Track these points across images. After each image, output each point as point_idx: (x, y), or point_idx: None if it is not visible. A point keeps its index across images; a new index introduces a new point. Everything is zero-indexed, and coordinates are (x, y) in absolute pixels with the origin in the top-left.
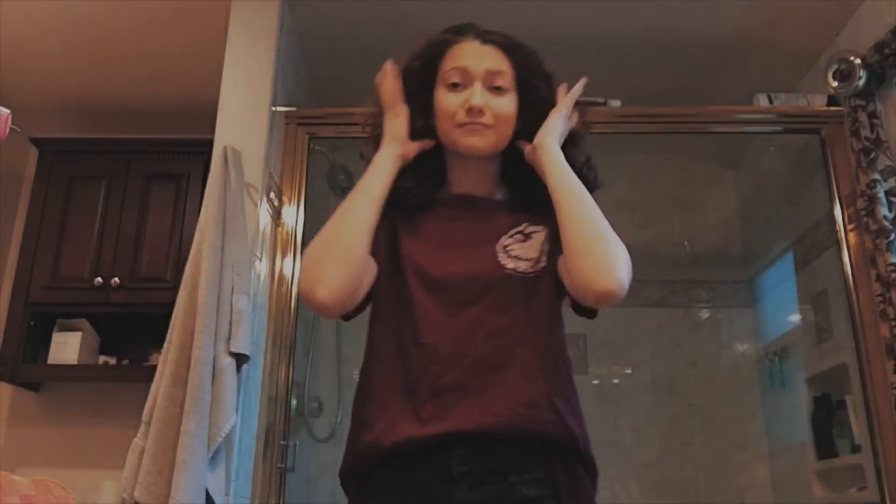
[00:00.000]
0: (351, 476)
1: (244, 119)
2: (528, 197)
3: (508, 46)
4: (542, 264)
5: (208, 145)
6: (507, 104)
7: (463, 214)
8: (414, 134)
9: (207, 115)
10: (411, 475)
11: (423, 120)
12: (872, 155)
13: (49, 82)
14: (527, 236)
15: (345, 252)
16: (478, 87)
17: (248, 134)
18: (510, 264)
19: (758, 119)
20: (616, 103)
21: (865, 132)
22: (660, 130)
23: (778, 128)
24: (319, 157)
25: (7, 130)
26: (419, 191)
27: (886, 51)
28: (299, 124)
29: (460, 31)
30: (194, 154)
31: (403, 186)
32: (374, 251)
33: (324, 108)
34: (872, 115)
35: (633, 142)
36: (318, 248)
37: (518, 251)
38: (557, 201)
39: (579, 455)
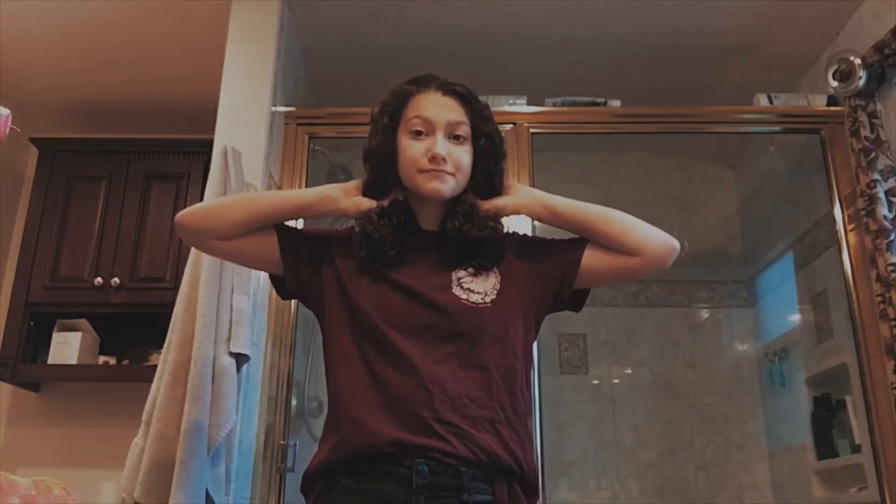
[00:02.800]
0: (316, 476)
1: (244, 119)
2: (478, 245)
3: (466, 98)
4: (492, 297)
5: (208, 145)
6: (465, 154)
7: (420, 249)
8: (378, 180)
9: (207, 115)
10: (375, 483)
11: (387, 165)
12: (872, 155)
13: (49, 82)
14: (478, 271)
15: (218, 211)
16: (440, 137)
17: (248, 134)
18: (463, 295)
19: (758, 119)
20: (616, 103)
21: (865, 132)
22: (660, 130)
23: (778, 128)
24: (319, 157)
25: (7, 130)
26: (395, 242)
27: (886, 51)
28: (299, 124)
29: (422, 83)
30: (194, 154)
31: (385, 241)
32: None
33: (324, 108)
34: (872, 115)
35: (633, 142)
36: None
37: (470, 283)
38: (585, 222)
39: (522, 479)
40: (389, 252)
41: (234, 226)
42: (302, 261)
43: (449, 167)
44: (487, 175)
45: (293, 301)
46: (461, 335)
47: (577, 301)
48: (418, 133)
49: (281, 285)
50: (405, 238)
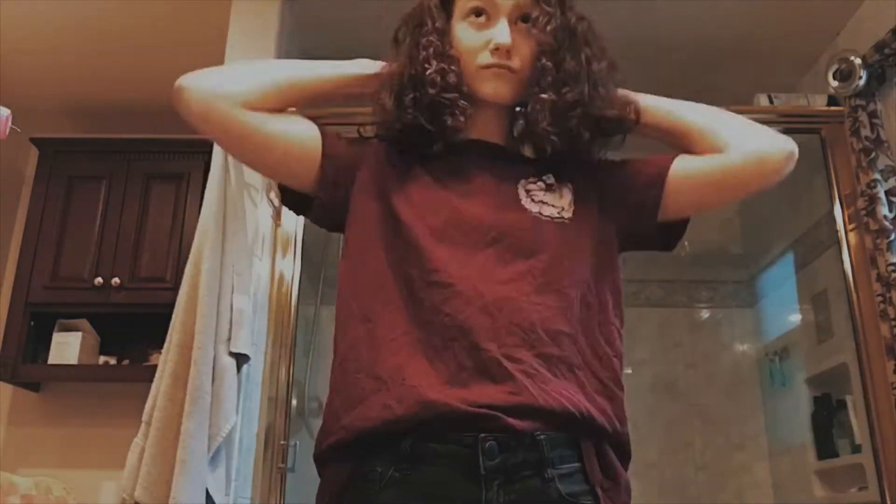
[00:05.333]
0: (334, 457)
1: None
2: (551, 158)
3: None
4: (569, 215)
5: (208, 145)
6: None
7: (477, 159)
8: (434, 81)
9: None
10: (425, 468)
11: (444, 63)
12: (873, 155)
13: (49, 82)
14: (549, 187)
15: (235, 73)
16: (503, 24)
17: None
18: (535, 208)
19: (758, 119)
20: None
21: (866, 132)
22: None
23: (778, 128)
24: None
25: (7, 130)
26: (439, 134)
27: (886, 50)
28: None
29: None
30: (194, 154)
31: (421, 128)
32: (359, 187)
33: (323, 108)
34: (873, 114)
35: (632, 142)
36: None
37: (542, 197)
38: (688, 125)
39: (613, 439)
40: (435, 143)
41: (259, 88)
42: (341, 164)
43: (515, 62)
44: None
45: (293, 301)
46: (535, 251)
47: (666, 234)
48: (478, 14)
49: (300, 199)
50: (455, 144)
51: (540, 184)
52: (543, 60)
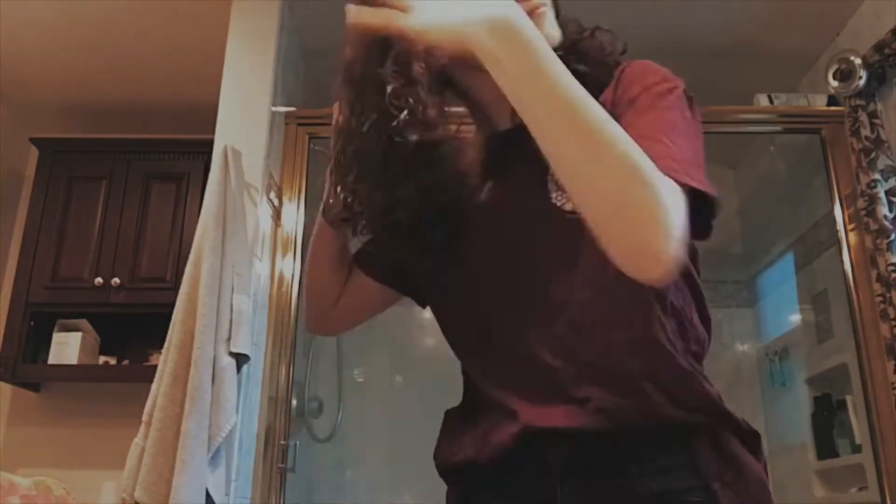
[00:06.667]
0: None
1: (244, 119)
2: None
3: None
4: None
5: (208, 145)
6: None
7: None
8: None
9: (207, 115)
10: (499, 477)
11: None
12: (873, 155)
13: (49, 82)
14: None
15: (311, 296)
16: None
17: (248, 134)
18: (559, 199)
19: (758, 119)
20: None
21: (866, 132)
22: None
23: (778, 128)
24: (319, 157)
25: None
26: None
27: (886, 51)
28: (299, 124)
29: None
30: (194, 154)
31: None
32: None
33: (324, 108)
34: (873, 114)
35: None
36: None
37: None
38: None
39: (728, 423)
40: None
41: (329, 278)
42: None
43: None
44: None
45: (293, 301)
46: (580, 254)
47: None
48: None
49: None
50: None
51: None
52: None
